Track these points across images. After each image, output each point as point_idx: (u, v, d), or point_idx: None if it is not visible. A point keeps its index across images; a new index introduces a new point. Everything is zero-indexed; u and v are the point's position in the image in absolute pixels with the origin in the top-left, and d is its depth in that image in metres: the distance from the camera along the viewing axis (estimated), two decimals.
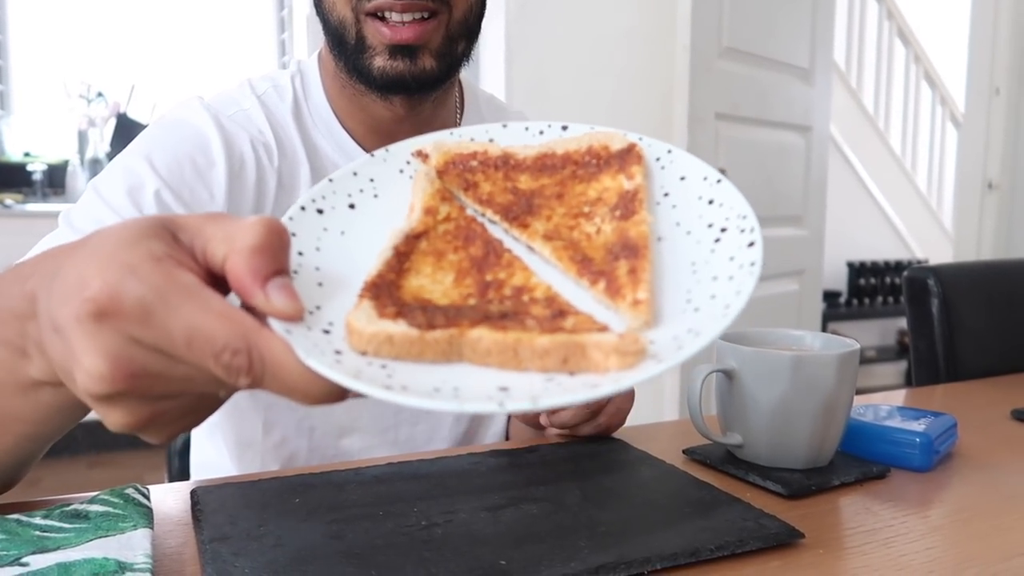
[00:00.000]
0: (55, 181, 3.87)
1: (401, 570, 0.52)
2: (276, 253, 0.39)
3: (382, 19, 0.79)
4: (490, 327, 0.38)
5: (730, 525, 0.59)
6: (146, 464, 3.21)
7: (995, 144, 2.78)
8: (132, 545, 0.54)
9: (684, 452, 0.78)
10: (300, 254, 0.43)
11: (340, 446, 0.91)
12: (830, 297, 4.74)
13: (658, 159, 0.50)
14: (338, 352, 0.38)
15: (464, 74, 0.94)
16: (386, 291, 0.41)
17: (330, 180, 0.49)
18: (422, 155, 0.51)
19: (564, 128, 0.52)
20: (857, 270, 4.96)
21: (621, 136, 0.50)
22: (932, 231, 5.33)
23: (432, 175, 0.50)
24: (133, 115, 4.05)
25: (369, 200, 0.48)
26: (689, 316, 0.40)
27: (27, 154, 3.94)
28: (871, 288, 4.97)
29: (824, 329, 4.31)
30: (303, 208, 0.46)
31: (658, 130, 2.49)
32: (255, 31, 4.23)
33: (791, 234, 2.63)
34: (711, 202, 0.45)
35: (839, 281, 4.94)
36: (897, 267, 5.03)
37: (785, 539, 0.58)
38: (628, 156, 0.49)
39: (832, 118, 2.88)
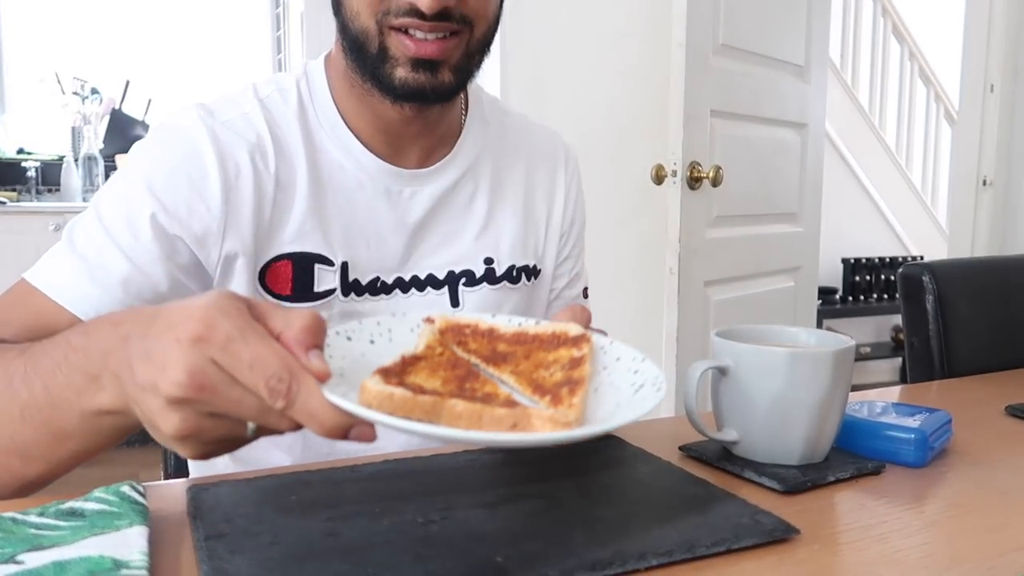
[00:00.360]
0: (49, 178, 3.86)
1: (398, 567, 0.52)
2: (316, 333, 0.53)
3: (406, 32, 0.80)
4: (464, 399, 0.53)
5: (726, 521, 0.60)
6: (142, 462, 3.20)
7: (989, 141, 2.79)
8: (128, 543, 0.54)
9: (680, 449, 0.78)
10: (330, 357, 0.57)
11: (333, 449, 0.92)
12: (825, 294, 4.75)
13: (602, 346, 0.67)
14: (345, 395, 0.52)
15: None
16: (393, 374, 0.56)
17: (359, 322, 0.65)
18: (430, 320, 0.67)
19: (536, 322, 0.70)
20: (852, 267, 4.96)
21: (577, 327, 0.67)
22: (927, 228, 5.34)
23: (435, 330, 0.66)
24: (127, 111, 4.04)
25: (385, 341, 0.65)
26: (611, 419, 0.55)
27: (21, 151, 3.93)
28: (866, 285, 4.98)
29: (819, 326, 4.31)
30: (337, 333, 0.62)
31: (653, 127, 2.50)
32: (250, 28, 4.22)
33: (786, 231, 2.63)
34: (636, 372, 0.62)
35: (834, 278, 4.95)
36: (892, 264, 5.03)
37: (781, 535, 0.58)
38: (580, 339, 0.66)
39: (827, 115, 2.88)
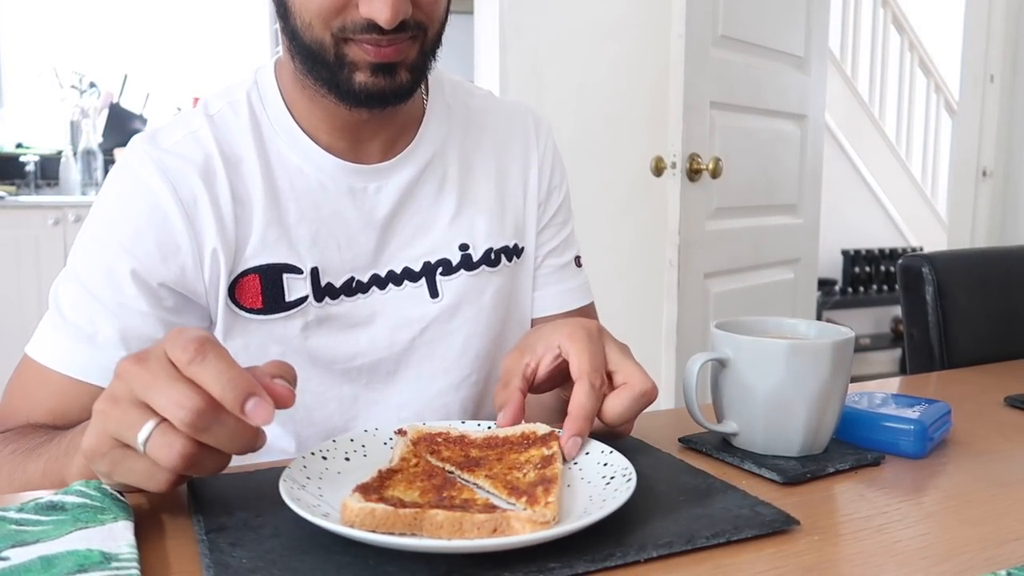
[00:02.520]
0: (48, 172, 3.85)
1: (398, 558, 0.52)
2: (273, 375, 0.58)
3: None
4: (444, 509, 0.54)
5: (726, 512, 0.60)
6: None
7: (989, 132, 2.78)
8: (115, 536, 0.53)
9: (680, 440, 0.78)
10: (308, 479, 0.62)
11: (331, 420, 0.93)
12: (825, 285, 4.75)
13: None
14: (326, 514, 0.55)
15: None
16: (371, 489, 0.58)
17: (333, 441, 0.68)
18: (402, 432, 0.70)
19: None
20: (852, 258, 4.97)
21: (545, 426, 0.70)
22: (927, 219, 5.34)
23: (407, 442, 0.68)
24: (126, 105, 4.04)
25: (360, 458, 0.68)
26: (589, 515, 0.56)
27: (20, 145, 3.92)
28: (866, 276, 4.98)
29: (819, 317, 4.32)
30: (312, 453, 0.65)
31: (652, 119, 2.49)
32: (248, 20, 4.21)
33: (786, 222, 2.63)
34: (605, 464, 0.65)
35: (834, 269, 4.95)
36: (892, 255, 5.04)
37: (780, 526, 0.59)
38: (549, 437, 0.69)
39: (827, 106, 2.88)
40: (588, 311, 1.06)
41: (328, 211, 0.89)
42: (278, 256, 0.87)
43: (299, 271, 0.87)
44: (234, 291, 0.86)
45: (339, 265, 0.89)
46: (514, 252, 1.00)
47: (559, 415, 0.85)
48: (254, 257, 0.86)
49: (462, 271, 0.95)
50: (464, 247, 0.95)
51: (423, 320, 0.94)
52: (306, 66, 0.83)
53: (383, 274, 0.92)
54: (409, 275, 0.93)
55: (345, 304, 0.90)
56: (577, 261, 1.07)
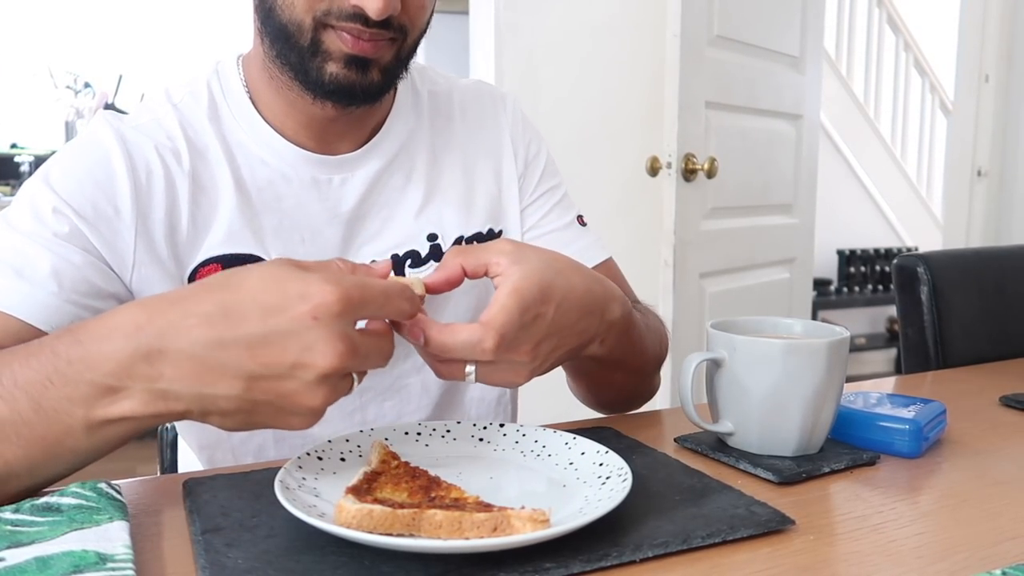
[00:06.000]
0: None
1: (394, 558, 0.52)
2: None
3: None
4: (442, 509, 0.54)
5: (721, 512, 0.60)
6: (138, 456, 3.19)
7: (984, 132, 2.79)
8: (110, 537, 0.53)
9: (675, 440, 0.78)
10: (304, 479, 0.61)
11: (308, 433, 0.91)
12: (820, 285, 4.76)
13: (566, 443, 0.70)
14: (323, 515, 0.55)
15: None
16: (362, 491, 0.58)
17: (329, 442, 0.68)
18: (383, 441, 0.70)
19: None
20: (847, 258, 4.98)
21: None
22: (922, 219, 5.35)
23: (381, 444, 0.67)
24: (121, 105, 4.03)
25: (355, 458, 0.67)
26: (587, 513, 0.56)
27: (14, 145, 3.91)
28: (861, 276, 4.99)
29: (814, 317, 4.32)
30: (308, 454, 0.65)
31: (648, 118, 2.49)
32: (243, 21, 4.21)
33: (781, 222, 2.63)
34: (601, 464, 0.65)
35: (829, 269, 4.96)
36: (887, 255, 5.05)
37: (776, 526, 0.59)
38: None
39: (822, 106, 2.88)
40: (605, 268, 1.00)
41: (291, 203, 0.87)
42: (243, 246, 0.85)
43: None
44: (195, 280, 0.84)
45: (303, 258, 0.87)
46: (488, 238, 0.97)
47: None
48: (218, 246, 0.84)
49: (431, 262, 0.93)
50: (432, 237, 0.93)
51: None
52: (275, 48, 0.81)
53: None
54: None
55: None
56: (580, 220, 1.04)
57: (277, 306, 0.55)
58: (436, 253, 0.93)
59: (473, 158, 0.98)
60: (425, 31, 0.86)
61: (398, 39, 0.81)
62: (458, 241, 0.95)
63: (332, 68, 0.79)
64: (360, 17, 0.76)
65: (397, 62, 0.83)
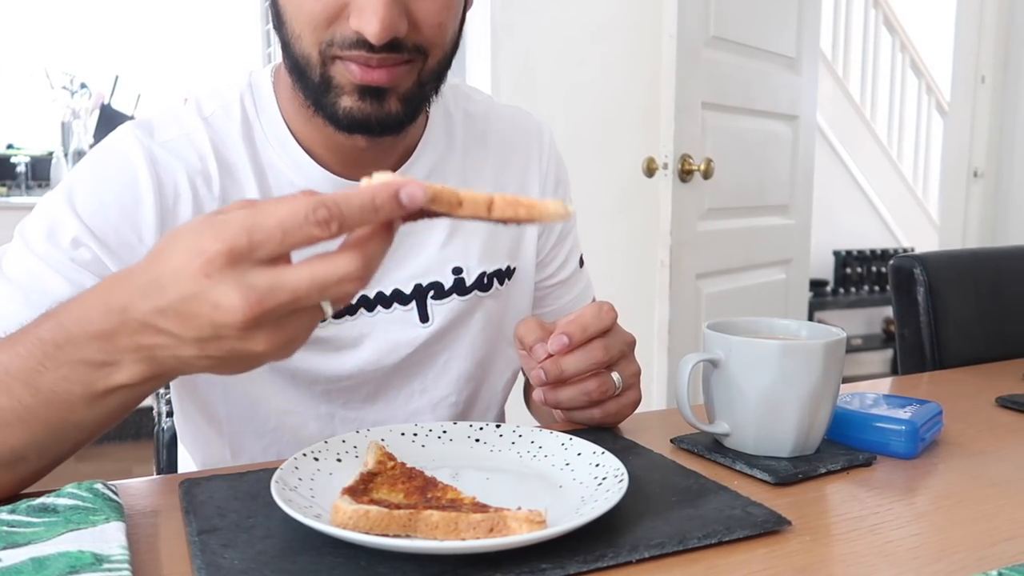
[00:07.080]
0: (39, 173, 3.83)
1: (390, 559, 0.52)
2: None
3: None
4: (438, 510, 0.54)
5: (718, 513, 0.60)
6: (134, 457, 3.19)
7: (980, 132, 2.79)
8: (106, 537, 0.53)
9: (672, 441, 0.78)
10: (300, 480, 0.61)
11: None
12: (816, 286, 4.76)
13: (563, 443, 0.70)
14: (319, 515, 0.55)
15: None
16: (359, 492, 0.58)
17: (325, 442, 0.68)
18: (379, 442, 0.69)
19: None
20: (843, 259, 4.98)
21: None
22: (918, 219, 5.36)
23: (377, 445, 0.67)
24: (117, 106, 4.02)
25: (352, 459, 0.67)
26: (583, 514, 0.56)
27: (10, 146, 3.90)
28: (857, 277, 4.99)
29: (811, 318, 4.32)
30: (304, 455, 0.65)
31: (644, 119, 2.49)
32: (239, 21, 4.20)
33: (778, 223, 2.63)
34: (597, 465, 0.66)
35: (825, 270, 4.96)
36: (883, 256, 5.05)
37: (772, 526, 0.59)
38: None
39: (819, 107, 2.89)
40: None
41: None
42: None
43: None
44: None
45: None
46: (506, 275, 0.96)
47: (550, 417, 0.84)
48: None
49: (454, 296, 0.91)
50: (458, 271, 0.92)
51: (411, 345, 0.90)
52: (293, 80, 0.80)
53: (372, 296, 0.88)
54: (399, 298, 0.89)
55: (332, 327, 0.86)
56: (581, 261, 1.06)
57: (180, 269, 0.51)
58: (460, 287, 0.92)
59: (503, 188, 0.96)
60: (453, 51, 0.81)
61: (416, 61, 0.77)
62: (480, 277, 0.93)
63: (346, 102, 0.76)
64: (364, 43, 0.72)
65: (419, 88, 0.79)
